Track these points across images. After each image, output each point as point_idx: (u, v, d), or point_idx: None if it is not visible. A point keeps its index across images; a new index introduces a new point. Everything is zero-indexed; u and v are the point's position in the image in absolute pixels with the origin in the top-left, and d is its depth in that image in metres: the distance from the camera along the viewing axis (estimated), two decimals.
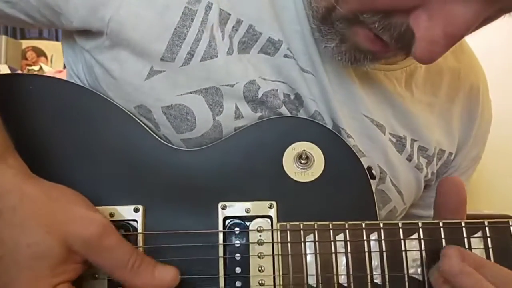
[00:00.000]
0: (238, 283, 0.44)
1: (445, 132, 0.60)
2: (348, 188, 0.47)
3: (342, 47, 0.45)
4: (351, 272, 0.44)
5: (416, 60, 0.40)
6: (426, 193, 0.62)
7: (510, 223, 0.45)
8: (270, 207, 0.46)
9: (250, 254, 0.44)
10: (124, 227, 0.45)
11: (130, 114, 0.48)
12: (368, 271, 0.44)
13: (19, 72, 1.95)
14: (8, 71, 1.88)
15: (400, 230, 0.45)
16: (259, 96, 0.49)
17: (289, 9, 0.50)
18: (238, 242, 0.45)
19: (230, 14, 0.49)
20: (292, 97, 0.51)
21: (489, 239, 0.45)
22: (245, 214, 0.45)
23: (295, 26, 0.50)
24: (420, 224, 0.45)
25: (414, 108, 0.56)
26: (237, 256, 0.45)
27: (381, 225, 0.45)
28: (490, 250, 0.44)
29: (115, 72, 0.48)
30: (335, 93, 0.51)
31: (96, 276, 0.43)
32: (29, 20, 0.50)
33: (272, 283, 0.44)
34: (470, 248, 0.44)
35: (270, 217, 0.45)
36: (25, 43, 2.27)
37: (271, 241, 0.44)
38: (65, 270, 0.37)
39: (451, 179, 0.45)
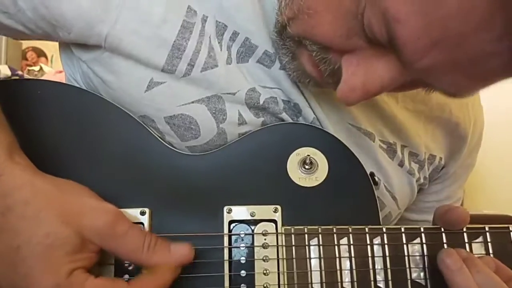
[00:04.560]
0: (243, 286, 0.45)
1: (434, 138, 0.60)
2: (351, 193, 0.48)
3: (292, 64, 0.47)
4: (354, 276, 0.44)
5: (337, 96, 0.41)
6: (419, 197, 0.63)
7: (511, 229, 0.46)
8: (275, 211, 0.46)
9: (255, 257, 0.45)
10: None
11: (137, 119, 0.49)
12: (372, 275, 0.44)
13: (19, 72, 1.95)
14: (8, 71, 1.88)
15: (403, 235, 0.45)
16: (261, 102, 0.50)
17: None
18: (243, 245, 0.46)
19: (226, 26, 0.50)
20: (292, 104, 0.52)
21: (489, 244, 0.46)
22: (250, 218, 0.46)
23: None
24: (422, 229, 0.46)
25: (400, 115, 0.57)
26: (242, 259, 0.45)
27: (384, 230, 0.46)
28: (491, 255, 0.45)
29: (113, 84, 0.49)
30: (320, 103, 0.52)
31: (104, 262, 0.43)
32: (26, 31, 0.50)
33: (277, 286, 0.44)
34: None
35: (275, 221, 0.46)
36: (25, 44, 2.27)
37: (276, 244, 0.45)
38: (81, 257, 0.38)
39: (458, 211, 0.45)
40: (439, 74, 0.36)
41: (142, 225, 0.46)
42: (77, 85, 0.55)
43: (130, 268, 0.44)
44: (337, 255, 0.45)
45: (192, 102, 0.49)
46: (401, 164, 0.57)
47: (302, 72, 0.46)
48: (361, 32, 0.37)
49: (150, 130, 0.48)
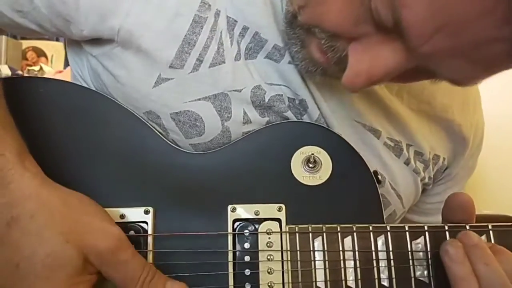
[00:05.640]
0: (247, 285, 0.45)
1: (437, 138, 0.61)
2: (355, 192, 0.48)
3: (301, 54, 0.47)
4: (359, 274, 0.44)
5: (342, 84, 0.42)
6: (421, 198, 0.63)
7: None
8: (279, 210, 0.46)
9: (260, 256, 0.45)
10: (134, 229, 0.46)
11: (140, 117, 0.49)
12: (376, 274, 0.45)
13: (20, 72, 1.95)
14: (9, 71, 1.88)
15: (407, 233, 0.46)
16: (266, 100, 0.50)
17: None
18: (247, 244, 0.46)
19: (236, 21, 0.50)
20: (297, 102, 0.52)
21: (492, 243, 0.45)
22: (255, 216, 0.46)
23: None
24: (426, 228, 0.46)
25: (404, 114, 0.57)
26: (247, 258, 0.45)
27: (388, 228, 0.46)
28: None
29: (122, 78, 0.49)
30: (326, 100, 0.52)
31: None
32: (39, 29, 0.51)
33: (281, 285, 0.44)
34: None
35: (279, 219, 0.46)
36: (25, 43, 2.26)
37: (280, 243, 0.45)
38: (82, 280, 0.38)
39: (460, 196, 0.46)
40: (443, 59, 0.36)
41: (146, 224, 0.46)
42: (84, 82, 0.55)
43: None
44: (341, 254, 0.45)
45: (199, 99, 0.49)
46: (407, 163, 0.57)
47: (310, 60, 0.46)
48: (369, 18, 0.37)
49: (153, 129, 0.49)
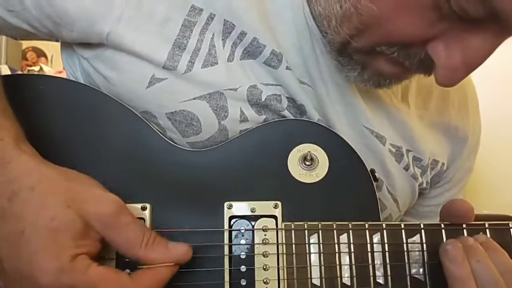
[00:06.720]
0: (243, 281, 0.45)
1: (437, 143, 0.61)
2: (351, 190, 0.48)
3: (365, 75, 0.47)
4: (354, 271, 0.44)
5: (438, 84, 0.42)
6: (419, 201, 0.63)
7: (510, 225, 0.46)
8: (275, 207, 0.46)
9: (255, 253, 0.45)
10: None
11: (138, 114, 0.49)
12: (371, 271, 0.45)
13: (19, 72, 1.95)
14: (8, 72, 1.88)
15: (403, 231, 0.46)
16: (263, 99, 0.50)
17: (287, 23, 0.52)
18: (243, 241, 0.46)
19: (234, 25, 0.50)
20: (298, 102, 0.52)
21: None
22: (251, 213, 0.46)
23: (292, 40, 0.52)
24: (422, 226, 0.46)
25: (409, 119, 0.57)
26: (242, 254, 0.45)
27: (384, 226, 0.46)
28: None
29: (115, 80, 0.50)
30: (333, 104, 0.52)
31: (106, 257, 0.44)
32: (31, 30, 0.51)
33: (277, 282, 0.44)
34: None
35: (275, 216, 0.46)
36: (25, 44, 2.27)
37: (275, 240, 0.45)
38: (85, 244, 0.38)
39: (460, 204, 0.46)
40: None
41: (143, 220, 0.46)
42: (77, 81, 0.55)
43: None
44: (336, 251, 0.45)
45: (194, 99, 0.49)
46: (406, 168, 0.57)
47: (380, 75, 0.47)
48: (443, 16, 0.37)
49: (151, 126, 0.49)
